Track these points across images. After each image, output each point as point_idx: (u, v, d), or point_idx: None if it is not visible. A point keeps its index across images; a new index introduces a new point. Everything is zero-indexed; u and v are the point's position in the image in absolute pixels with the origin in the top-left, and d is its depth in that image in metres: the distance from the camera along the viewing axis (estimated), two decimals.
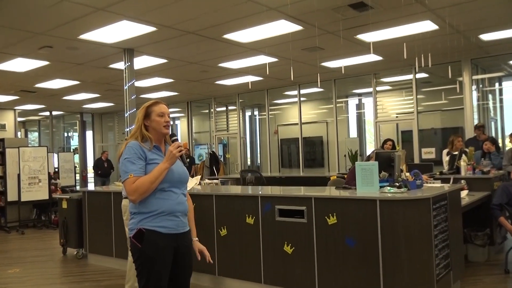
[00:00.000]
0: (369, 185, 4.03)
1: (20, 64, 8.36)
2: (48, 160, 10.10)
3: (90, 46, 7.25)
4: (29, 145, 12.15)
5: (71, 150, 16.19)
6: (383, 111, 10.74)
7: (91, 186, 14.53)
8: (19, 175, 9.66)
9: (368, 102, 12.24)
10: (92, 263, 6.29)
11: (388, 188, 3.94)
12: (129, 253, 4.44)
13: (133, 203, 2.51)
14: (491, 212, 5.18)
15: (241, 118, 13.22)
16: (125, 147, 2.55)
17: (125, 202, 4.53)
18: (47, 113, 15.94)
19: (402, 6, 5.80)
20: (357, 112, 13.15)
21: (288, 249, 4.20)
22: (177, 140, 2.61)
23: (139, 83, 10.07)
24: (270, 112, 12.70)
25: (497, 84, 10.42)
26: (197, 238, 2.77)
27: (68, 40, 6.89)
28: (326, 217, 3.96)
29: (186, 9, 5.72)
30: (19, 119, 15.41)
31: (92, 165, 13.73)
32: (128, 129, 7.97)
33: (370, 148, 12.18)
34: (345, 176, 6.16)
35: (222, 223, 4.73)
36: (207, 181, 6.52)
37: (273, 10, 5.83)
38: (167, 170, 2.49)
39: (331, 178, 6.88)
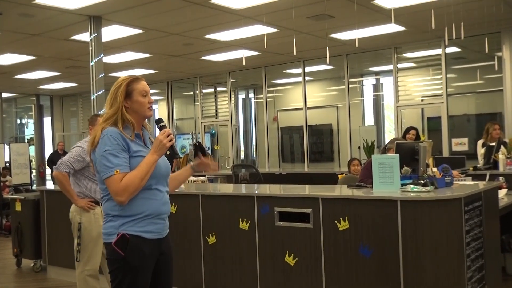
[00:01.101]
0: (388, 183, 4.05)
1: None
2: None
3: (48, 12, 7.19)
4: None
5: (26, 141, 16.13)
6: (405, 93, 10.76)
7: (50, 184, 14.51)
8: None
9: (387, 82, 12.26)
10: (52, 277, 6.30)
11: (411, 186, 3.96)
12: (77, 265, 4.45)
13: (120, 205, 2.51)
14: None
15: (233, 102, 13.21)
16: (100, 135, 2.53)
17: (73, 209, 4.52)
18: None
19: None
20: (374, 95, 13.17)
21: (290, 260, 4.22)
22: (165, 126, 2.63)
23: (108, 59, 10.02)
24: (268, 95, 12.70)
25: None
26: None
27: (21, 5, 6.83)
28: (336, 222, 3.98)
29: None
30: None
31: (48, 160, 13.64)
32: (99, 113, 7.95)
33: (389, 138, 12.21)
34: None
35: (210, 229, 4.74)
36: (192, 178, 6.53)
37: None
38: (155, 164, 2.53)
39: (342, 175, 6.91)
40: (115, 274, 2.52)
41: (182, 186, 5.62)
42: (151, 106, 2.65)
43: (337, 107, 12.75)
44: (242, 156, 14.29)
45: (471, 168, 6.37)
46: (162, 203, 2.61)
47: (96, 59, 7.83)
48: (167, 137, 2.53)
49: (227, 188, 5.81)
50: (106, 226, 2.57)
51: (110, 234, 2.53)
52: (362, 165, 6.88)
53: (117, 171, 2.46)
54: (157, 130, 2.65)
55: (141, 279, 2.52)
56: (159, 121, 2.65)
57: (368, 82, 13.23)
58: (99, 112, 7.60)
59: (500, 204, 4.74)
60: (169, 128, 13.03)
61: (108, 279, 4.51)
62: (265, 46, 7.65)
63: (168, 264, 2.69)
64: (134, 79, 2.63)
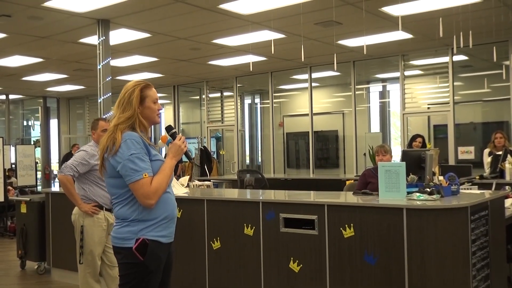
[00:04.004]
0: (394, 191, 4.04)
1: None
2: (3, 153, 10.11)
3: (57, 15, 7.23)
4: None
5: (32, 143, 16.19)
6: (412, 100, 10.73)
7: (55, 187, 14.56)
8: None
9: (394, 89, 12.23)
10: (56, 280, 6.31)
11: (417, 194, 3.96)
12: (79, 267, 4.46)
13: (149, 208, 2.56)
14: None
15: (239, 107, 13.22)
16: (121, 139, 2.54)
17: (76, 211, 4.53)
18: (3, 97, 15.93)
19: None
20: (380, 102, 13.15)
21: (294, 266, 4.22)
22: (177, 133, 2.72)
23: (116, 62, 10.06)
24: (274, 100, 12.71)
25: None
26: None
27: (30, 8, 6.88)
28: (341, 229, 3.97)
29: None
30: None
31: (61, 161, 13.73)
32: (105, 117, 7.97)
33: (395, 146, 12.20)
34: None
35: (215, 234, 4.74)
36: (196, 182, 6.53)
37: None
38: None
39: (348, 182, 6.89)
40: (129, 279, 2.56)
41: (187, 190, 5.62)
42: (159, 113, 2.72)
43: (343, 113, 12.74)
44: (248, 161, 14.28)
45: (477, 177, 6.35)
46: (174, 206, 2.72)
47: (103, 62, 7.86)
48: (183, 142, 2.65)
49: (232, 193, 5.81)
50: (121, 231, 2.58)
51: (126, 239, 2.56)
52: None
53: (145, 175, 2.51)
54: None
55: (154, 282, 2.59)
56: (170, 128, 2.71)
57: (375, 89, 13.22)
58: (105, 116, 7.62)
59: (507, 214, 4.72)
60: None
61: (106, 281, 4.55)
62: (273, 52, 7.67)
63: (169, 267, 2.76)
64: (147, 85, 2.69)
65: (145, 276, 2.54)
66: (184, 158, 13.66)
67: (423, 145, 7.94)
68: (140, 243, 2.53)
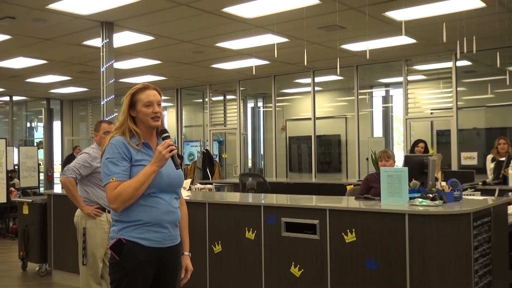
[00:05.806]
0: (396, 196, 4.03)
1: None
2: (6, 155, 10.13)
3: (61, 18, 7.25)
4: None
5: (35, 144, 16.22)
6: (415, 105, 10.72)
7: (57, 188, 14.57)
8: None
9: (397, 94, 12.23)
10: (57, 282, 6.31)
11: (420, 200, 3.94)
12: (81, 269, 4.47)
13: (114, 212, 2.57)
14: None
15: (241, 110, 13.23)
16: (108, 144, 2.59)
17: (78, 213, 4.53)
18: (7, 98, 15.98)
19: None
20: (383, 107, 13.14)
21: (295, 271, 4.20)
22: (168, 137, 2.63)
23: (119, 65, 10.08)
24: (277, 104, 12.71)
25: None
26: (189, 253, 2.85)
27: (35, 10, 6.90)
28: (343, 234, 3.96)
29: None
30: None
31: (63, 163, 13.76)
32: (108, 119, 7.97)
33: (397, 151, 12.17)
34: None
35: (216, 237, 4.74)
36: (198, 185, 6.53)
37: None
38: (155, 174, 2.53)
39: (348, 187, 6.87)
40: (113, 278, 2.57)
41: (189, 193, 5.62)
42: (156, 116, 2.62)
43: (346, 118, 12.73)
44: (250, 165, 14.27)
45: (480, 183, 6.33)
46: (164, 212, 2.60)
47: (107, 65, 7.87)
48: (167, 148, 2.53)
49: (234, 197, 5.80)
50: (110, 230, 2.65)
51: (111, 238, 2.60)
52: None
53: (113, 179, 2.51)
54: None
55: (137, 285, 2.54)
56: (163, 132, 2.66)
57: (378, 93, 13.21)
58: (107, 118, 7.63)
59: (509, 220, 4.70)
60: (178, 135, 12.95)
61: (107, 283, 4.54)
62: (276, 56, 7.67)
63: (170, 275, 2.70)
64: (140, 89, 2.65)
65: (123, 276, 2.52)
66: (187, 161, 13.73)
67: (425, 150, 7.93)
68: (115, 242, 2.54)
